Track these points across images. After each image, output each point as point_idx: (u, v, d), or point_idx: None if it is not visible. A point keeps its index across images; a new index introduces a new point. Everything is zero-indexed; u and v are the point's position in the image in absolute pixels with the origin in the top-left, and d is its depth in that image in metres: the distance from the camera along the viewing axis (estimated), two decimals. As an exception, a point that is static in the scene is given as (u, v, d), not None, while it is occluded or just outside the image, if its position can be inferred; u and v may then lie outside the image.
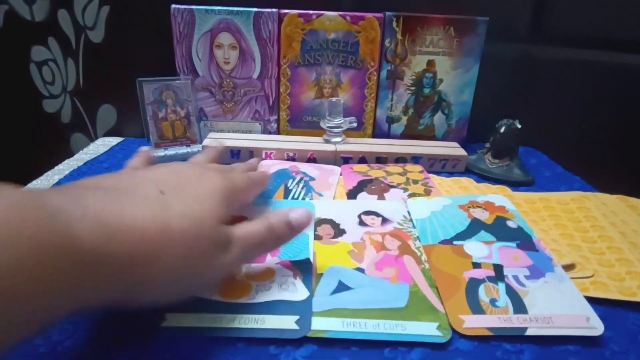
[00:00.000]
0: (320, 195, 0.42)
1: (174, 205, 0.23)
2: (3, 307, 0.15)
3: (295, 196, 0.41)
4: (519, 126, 0.48)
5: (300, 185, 0.44)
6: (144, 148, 0.34)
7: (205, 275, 0.24)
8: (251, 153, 0.50)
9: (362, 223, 0.36)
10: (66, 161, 0.51)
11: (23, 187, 0.19)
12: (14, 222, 0.16)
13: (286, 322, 0.25)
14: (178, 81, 0.52)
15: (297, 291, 0.28)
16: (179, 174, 0.26)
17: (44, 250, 0.17)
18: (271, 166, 0.48)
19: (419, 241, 0.34)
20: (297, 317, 0.25)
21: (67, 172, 0.48)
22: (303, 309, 0.26)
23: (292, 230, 0.27)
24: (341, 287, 0.28)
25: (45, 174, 0.47)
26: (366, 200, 0.41)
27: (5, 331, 0.16)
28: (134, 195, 0.22)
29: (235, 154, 0.50)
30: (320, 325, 0.25)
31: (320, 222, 0.36)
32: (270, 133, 0.57)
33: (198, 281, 0.24)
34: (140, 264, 0.20)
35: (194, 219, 0.23)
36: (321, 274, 0.30)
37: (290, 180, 0.44)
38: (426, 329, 0.25)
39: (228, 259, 0.24)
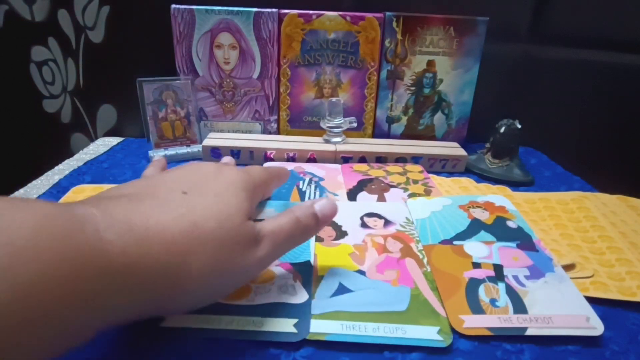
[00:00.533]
0: (335, 195, 0.42)
1: (198, 205, 0.22)
2: (32, 323, 0.15)
3: (311, 197, 0.41)
4: (519, 126, 0.48)
5: (312, 186, 0.44)
6: (158, 157, 0.34)
7: (238, 275, 0.24)
8: (251, 153, 0.50)
9: (364, 225, 0.36)
10: (66, 161, 0.51)
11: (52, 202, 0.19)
12: (43, 234, 0.16)
13: (284, 325, 0.25)
14: (178, 81, 0.52)
15: (296, 294, 0.27)
16: (197, 173, 0.26)
17: (75, 261, 0.16)
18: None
19: (422, 244, 0.34)
20: (295, 320, 0.25)
21: (67, 172, 0.48)
22: (302, 312, 0.26)
23: (318, 221, 0.27)
24: (341, 290, 0.28)
25: (45, 174, 0.47)
26: (368, 202, 0.41)
27: (37, 348, 0.15)
28: (157, 199, 0.22)
29: (235, 154, 0.50)
30: (320, 327, 0.25)
31: None
32: (270, 133, 0.57)
33: (231, 281, 0.24)
34: (172, 268, 0.20)
35: (221, 216, 0.22)
36: (322, 276, 0.29)
37: (301, 182, 0.44)
38: (427, 333, 0.25)
39: (259, 255, 0.24)
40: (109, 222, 0.19)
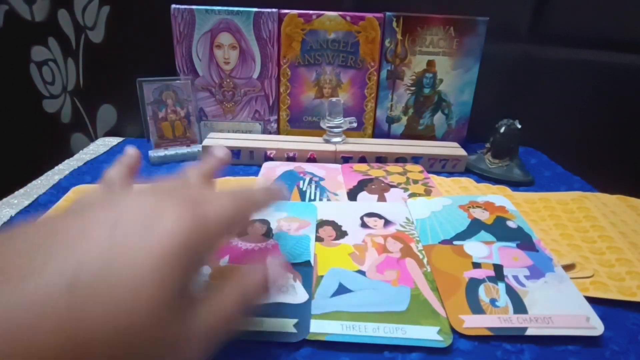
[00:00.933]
0: (336, 195, 0.42)
1: (92, 300, 0.15)
2: None
3: (312, 198, 0.41)
4: (519, 126, 0.48)
5: (313, 186, 0.44)
6: (130, 150, 0.27)
7: None
8: (251, 153, 0.50)
9: (364, 225, 0.36)
10: (66, 161, 0.51)
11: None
12: None
13: (284, 325, 0.25)
14: (178, 81, 0.52)
15: (296, 294, 0.27)
16: (116, 222, 0.17)
17: None
18: (275, 167, 0.48)
19: (422, 244, 0.34)
20: (295, 321, 0.25)
21: (67, 172, 0.48)
22: (302, 312, 0.26)
23: (266, 292, 0.22)
24: (341, 290, 0.28)
25: (45, 174, 0.47)
26: (368, 202, 0.41)
27: None
28: (27, 282, 0.14)
29: (235, 154, 0.50)
30: (320, 328, 0.25)
31: (322, 223, 0.36)
32: (270, 133, 0.57)
33: None
34: None
35: (127, 319, 0.15)
36: (321, 276, 0.29)
37: (301, 182, 0.44)
38: (427, 333, 0.25)
39: (186, 357, 0.17)
40: None
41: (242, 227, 0.23)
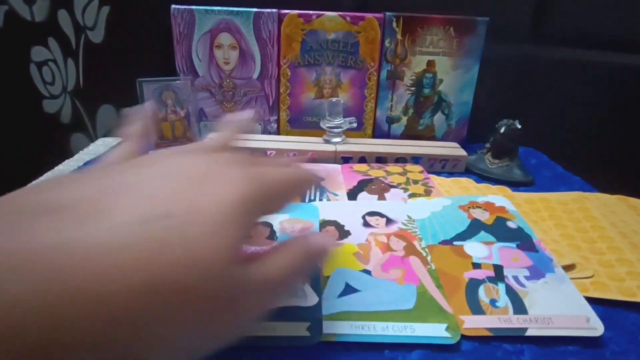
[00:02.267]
0: (336, 195, 0.42)
1: (166, 240, 0.15)
2: None
3: (312, 198, 0.41)
4: (519, 126, 0.48)
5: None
6: (138, 111, 0.25)
7: (211, 339, 0.17)
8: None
9: (366, 224, 0.36)
10: (66, 161, 0.51)
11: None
12: None
13: (297, 329, 0.25)
14: (178, 81, 0.52)
15: (306, 297, 0.27)
16: (177, 178, 0.17)
17: None
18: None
19: (424, 241, 0.34)
20: (308, 324, 0.25)
21: (67, 173, 0.48)
22: (313, 315, 0.26)
23: (310, 259, 0.22)
24: (348, 290, 0.28)
25: (46, 174, 0.47)
26: (370, 201, 0.41)
27: None
28: (111, 220, 0.14)
29: (235, 154, 0.50)
30: (329, 328, 0.25)
31: (325, 223, 0.36)
32: (270, 133, 0.57)
33: (203, 345, 0.17)
34: (111, 342, 0.13)
35: (202, 264, 0.15)
36: (327, 277, 0.29)
37: None
38: (435, 331, 0.25)
39: (240, 315, 0.17)
40: (12, 263, 0.12)
41: (285, 202, 0.22)
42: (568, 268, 0.31)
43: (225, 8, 0.51)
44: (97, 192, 0.16)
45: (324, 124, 0.52)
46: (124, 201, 0.15)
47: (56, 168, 0.49)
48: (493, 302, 0.28)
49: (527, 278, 0.30)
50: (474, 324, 0.26)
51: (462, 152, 0.51)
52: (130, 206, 0.15)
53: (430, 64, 0.53)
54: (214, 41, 0.52)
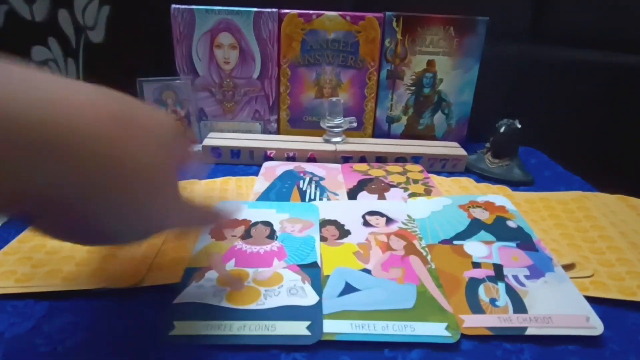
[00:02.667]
0: (336, 194, 0.42)
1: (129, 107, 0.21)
2: None
3: (312, 197, 0.41)
4: (519, 126, 0.48)
5: (313, 185, 0.44)
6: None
7: (140, 220, 0.20)
8: (251, 153, 0.50)
9: (366, 223, 0.36)
10: (66, 161, 0.51)
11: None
12: None
13: (297, 328, 0.25)
14: (178, 81, 0.52)
15: (306, 296, 0.27)
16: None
17: None
18: (275, 167, 0.48)
19: (424, 241, 0.34)
20: (308, 323, 0.25)
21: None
22: (314, 314, 0.26)
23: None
24: (348, 289, 0.28)
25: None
26: (370, 200, 0.41)
27: None
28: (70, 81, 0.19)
29: (235, 154, 0.50)
30: (330, 328, 0.25)
31: (325, 223, 0.36)
32: (270, 133, 0.57)
33: (162, 196, 0.20)
34: (102, 142, 0.17)
35: (156, 114, 0.21)
36: (327, 276, 0.29)
37: (301, 182, 0.44)
38: (435, 330, 0.25)
39: (165, 207, 0.21)
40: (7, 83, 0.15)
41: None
42: (568, 267, 0.31)
43: (225, 8, 0.51)
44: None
45: (324, 124, 0.52)
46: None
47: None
48: (493, 301, 0.28)
49: (527, 277, 0.30)
50: (473, 323, 0.26)
51: (462, 152, 0.51)
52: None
53: (430, 63, 0.53)
54: (214, 41, 0.52)
